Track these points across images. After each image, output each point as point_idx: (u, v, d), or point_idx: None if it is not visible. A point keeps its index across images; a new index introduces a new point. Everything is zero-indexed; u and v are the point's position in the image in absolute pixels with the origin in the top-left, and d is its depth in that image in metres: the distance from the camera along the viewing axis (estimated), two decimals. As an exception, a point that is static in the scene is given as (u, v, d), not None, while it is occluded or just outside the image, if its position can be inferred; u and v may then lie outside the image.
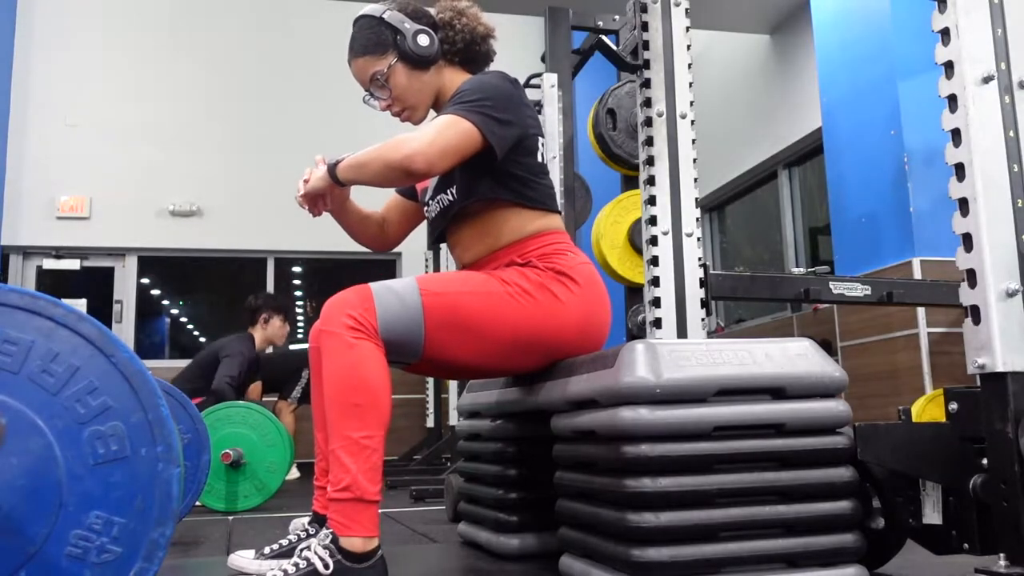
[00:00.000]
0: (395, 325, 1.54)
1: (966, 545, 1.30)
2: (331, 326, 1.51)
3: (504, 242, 1.73)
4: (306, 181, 1.75)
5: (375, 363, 1.50)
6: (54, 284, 6.70)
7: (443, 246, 6.06)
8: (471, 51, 1.83)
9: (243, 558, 1.77)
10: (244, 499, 3.29)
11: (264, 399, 5.75)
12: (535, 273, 1.66)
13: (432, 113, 1.86)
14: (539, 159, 1.77)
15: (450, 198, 1.76)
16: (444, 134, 1.59)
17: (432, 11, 1.84)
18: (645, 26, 2.48)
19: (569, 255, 1.71)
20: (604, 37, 2.80)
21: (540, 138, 1.78)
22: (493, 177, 1.70)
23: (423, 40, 1.76)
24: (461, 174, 1.71)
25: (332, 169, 1.69)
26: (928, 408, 3.18)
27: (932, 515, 1.35)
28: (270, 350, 6.13)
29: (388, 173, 1.60)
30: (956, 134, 1.29)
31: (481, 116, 1.62)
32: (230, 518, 3.00)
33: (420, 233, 6.29)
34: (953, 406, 1.30)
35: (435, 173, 1.64)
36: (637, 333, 3.52)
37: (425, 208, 1.89)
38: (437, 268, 6.14)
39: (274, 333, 4.77)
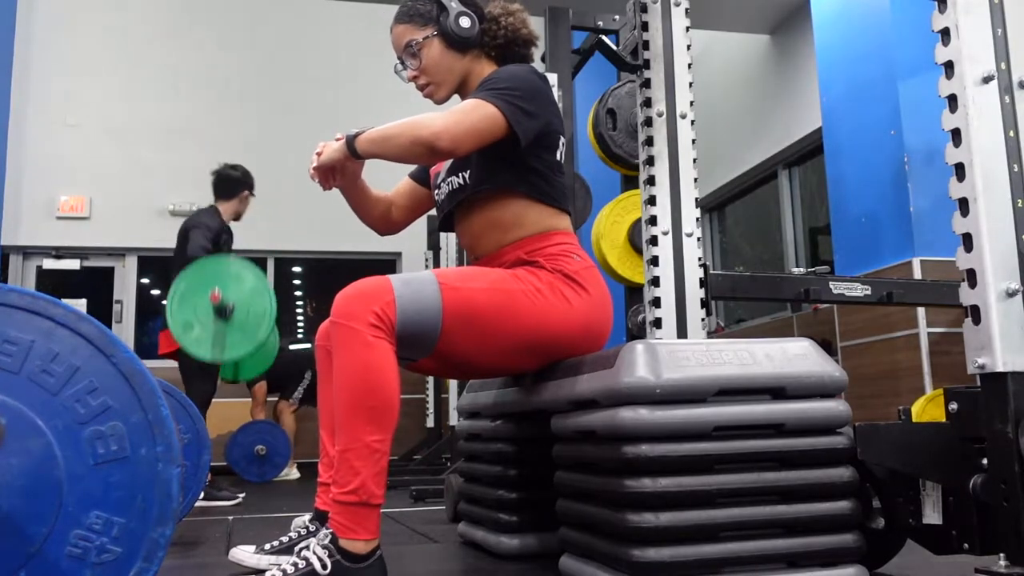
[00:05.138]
0: (413, 320, 1.51)
1: (966, 545, 1.30)
2: (351, 321, 1.46)
3: (513, 236, 1.73)
4: (319, 154, 1.74)
5: (391, 365, 1.48)
6: (54, 284, 6.70)
7: (443, 248, 6.08)
8: (510, 50, 1.84)
9: (243, 551, 1.77)
10: (234, 348, 3.28)
11: (267, 399, 5.76)
12: (544, 274, 1.66)
13: (456, 98, 1.86)
14: (558, 157, 1.77)
15: (461, 182, 1.76)
16: (471, 116, 1.60)
17: (489, 8, 1.86)
18: (645, 26, 2.48)
19: (575, 258, 1.71)
20: (604, 37, 2.79)
21: (561, 137, 1.78)
22: (512, 167, 1.70)
23: (464, 22, 1.78)
24: (478, 160, 1.71)
25: (351, 141, 1.68)
26: (928, 408, 3.18)
27: (932, 515, 1.35)
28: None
29: (413, 148, 1.60)
30: (956, 134, 1.29)
31: (508, 104, 1.63)
32: (230, 518, 3.00)
33: (420, 232, 6.31)
34: (953, 406, 1.30)
35: (459, 153, 1.63)
36: (637, 333, 3.51)
37: (435, 191, 1.89)
38: (437, 267, 6.14)
39: (244, 207, 4.41)
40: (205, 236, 3.99)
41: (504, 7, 1.85)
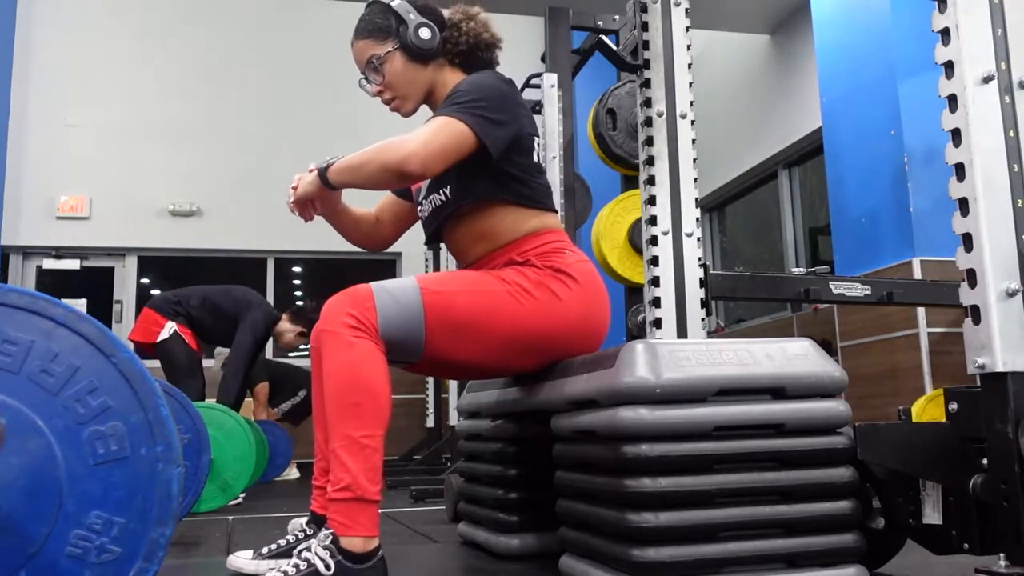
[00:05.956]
0: (396, 324, 1.54)
1: (966, 545, 1.30)
2: (331, 325, 1.51)
3: (502, 241, 1.73)
4: (295, 188, 1.75)
5: (375, 362, 1.50)
6: (54, 284, 6.70)
7: (443, 248, 6.08)
8: (473, 56, 1.84)
9: (241, 558, 1.77)
10: (206, 501, 3.24)
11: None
12: (534, 272, 1.66)
13: (425, 109, 1.86)
14: (535, 158, 1.77)
15: (443, 198, 1.76)
16: (439, 136, 1.60)
17: (447, 12, 1.85)
18: (645, 26, 2.48)
19: (567, 253, 1.71)
20: (604, 37, 2.80)
21: (536, 137, 1.78)
22: (489, 177, 1.70)
23: (424, 33, 1.77)
24: (456, 174, 1.71)
25: (323, 173, 1.69)
26: (928, 408, 3.18)
27: (932, 515, 1.35)
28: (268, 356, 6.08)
29: (383, 175, 1.61)
30: (956, 134, 1.29)
31: (475, 117, 1.63)
32: (230, 518, 3.00)
33: (420, 233, 6.31)
34: (953, 406, 1.30)
35: (430, 175, 1.64)
36: (637, 333, 3.51)
37: (419, 208, 1.90)
38: (437, 267, 6.14)
39: (292, 341, 4.86)
40: (256, 330, 4.35)
41: (464, 12, 1.84)
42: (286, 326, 4.77)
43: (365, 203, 1.97)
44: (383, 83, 1.80)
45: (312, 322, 4.70)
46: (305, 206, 1.77)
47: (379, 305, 1.52)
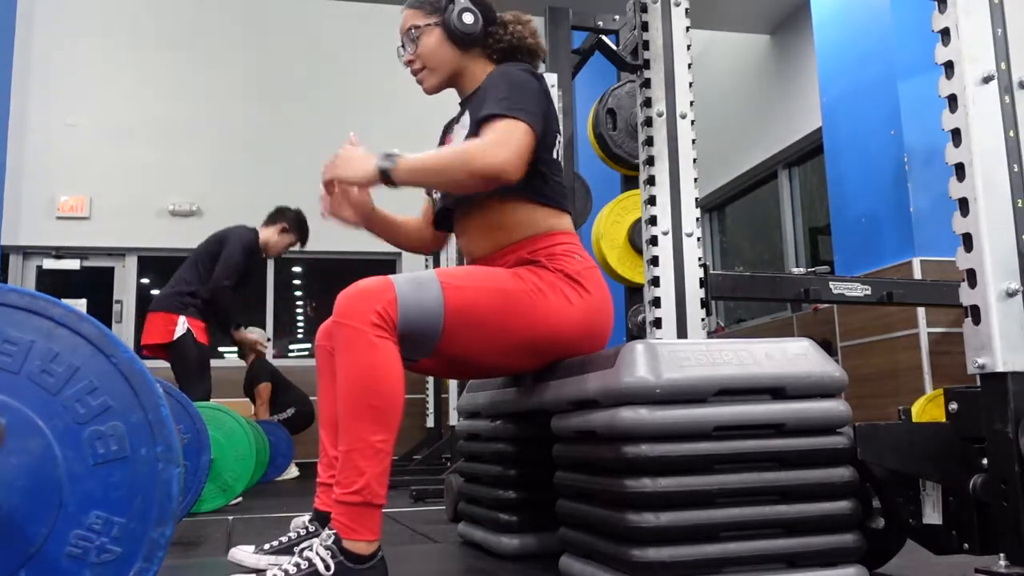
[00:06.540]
0: (415, 319, 1.51)
1: (966, 545, 1.30)
2: (354, 320, 1.46)
3: (514, 238, 1.73)
4: (333, 164, 1.67)
5: (396, 366, 1.48)
6: (54, 284, 6.70)
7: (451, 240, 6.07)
8: (512, 58, 1.85)
9: (243, 551, 1.77)
10: (206, 501, 3.24)
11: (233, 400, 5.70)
12: (546, 273, 1.66)
13: (443, 96, 1.86)
14: (555, 156, 1.77)
15: None
16: (520, 142, 1.60)
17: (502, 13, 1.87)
18: (645, 26, 2.48)
19: (576, 258, 1.71)
20: (604, 37, 2.80)
21: (558, 135, 1.79)
22: None
23: (467, 18, 1.79)
24: None
25: (387, 170, 1.60)
26: (928, 408, 3.18)
27: (932, 515, 1.35)
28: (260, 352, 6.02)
29: (469, 181, 1.59)
30: (956, 134, 1.29)
31: (527, 113, 1.63)
32: (230, 518, 3.00)
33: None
34: (953, 406, 1.30)
35: (517, 179, 1.62)
36: (637, 333, 3.51)
37: (434, 195, 1.90)
38: (438, 267, 6.13)
39: (278, 243, 4.63)
40: (246, 240, 4.30)
41: (516, 15, 1.87)
42: (267, 231, 4.58)
43: (384, 204, 1.95)
44: (415, 53, 1.83)
45: (290, 219, 4.59)
46: (339, 201, 1.76)
47: (401, 299, 1.49)
